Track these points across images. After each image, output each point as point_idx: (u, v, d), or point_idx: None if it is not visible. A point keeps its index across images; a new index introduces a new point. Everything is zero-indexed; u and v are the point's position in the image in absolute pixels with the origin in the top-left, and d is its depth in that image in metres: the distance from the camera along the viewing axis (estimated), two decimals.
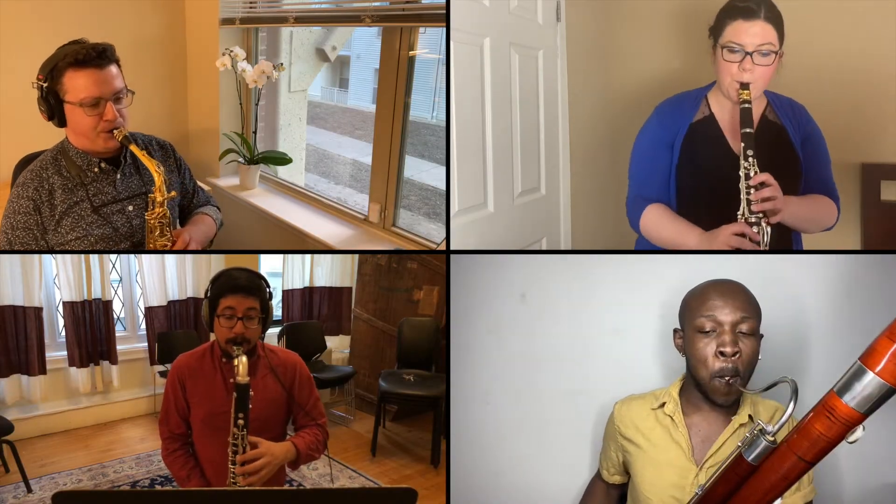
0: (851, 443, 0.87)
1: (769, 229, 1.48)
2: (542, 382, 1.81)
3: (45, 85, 1.57)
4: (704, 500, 1.08)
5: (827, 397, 0.88)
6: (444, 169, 1.91)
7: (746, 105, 1.51)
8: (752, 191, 1.47)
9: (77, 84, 1.56)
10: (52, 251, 1.68)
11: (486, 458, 1.84)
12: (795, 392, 1.00)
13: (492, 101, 2.05)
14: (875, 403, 0.83)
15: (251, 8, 2.98)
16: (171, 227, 1.70)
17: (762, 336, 1.39)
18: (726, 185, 1.53)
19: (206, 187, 2.16)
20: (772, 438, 0.98)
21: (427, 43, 2.43)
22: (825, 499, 1.56)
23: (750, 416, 1.38)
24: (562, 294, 1.81)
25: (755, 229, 1.48)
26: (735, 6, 1.58)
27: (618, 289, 1.78)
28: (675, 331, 1.46)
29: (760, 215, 1.48)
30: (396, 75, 2.41)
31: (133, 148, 1.62)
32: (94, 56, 1.56)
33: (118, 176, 1.69)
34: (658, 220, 1.68)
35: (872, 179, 2.39)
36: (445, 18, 1.87)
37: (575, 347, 1.79)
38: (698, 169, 1.69)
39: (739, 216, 1.49)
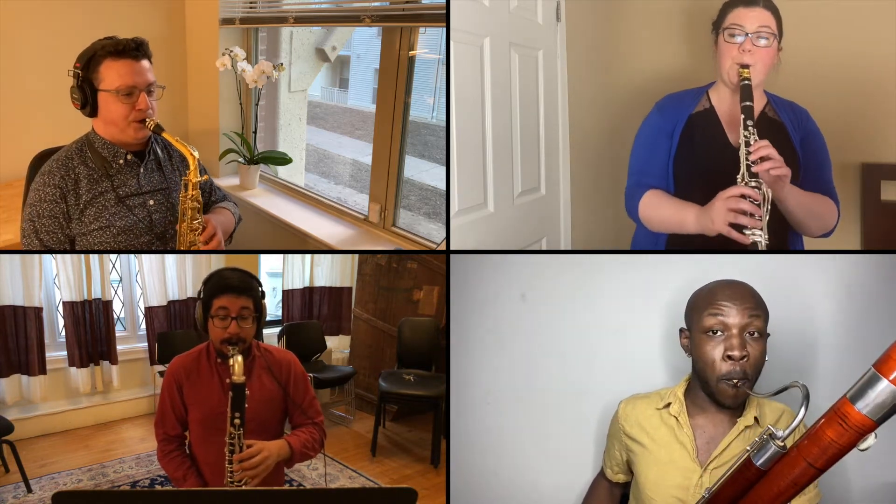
0: (863, 450, 0.87)
1: (769, 192, 1.47)
2: (542, 382, 1.81)
3: (81, 73, 1.63)
4: (711, 503, 1.08)
5: (839, 404, 0.87)
6: (444, 169, 1.91)
7: (747, 82, 1.57)
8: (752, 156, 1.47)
9: (113, 73, 1.61)
10: (71, 250, 1.69)
11: (486, 458, 1.84)
12: (807, 398, 0.98)
13: (492, 101, 2.05)
14: (889, 411, 0.82)
15: (251, 8, 2.98)
16: (202, 213, 1.74)
17: (769, 335, 1.37)
18: (722, 175, 1.54)
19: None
20: (781, 444, 0.97)
21: (427, 43, 2.43)
22: (825, 498, 1.56)
23: (756, 419, 1.37)
24: (562, 294, 1.81)
25: (756, 192, 1.45)
26: None
27: (618, 288, 1.78)
28: (682, 330, 1.43)
29: (759, 181, 1.47)
30: (396, 75, 2.41)
31: (166, 135, 1.67)
32: (133, 48, 1.63)
33: (142, 169, 1.73)
34: (657, 203, 1.70)
35: (872, 179, 2.39)
36: (445, 18, 1.87)
37: (575, 347, 1.79)
38: (695, 158, 1.70)
39: (739, 179, 1.48)
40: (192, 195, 1.70)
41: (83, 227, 1.65)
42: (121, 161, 1.70)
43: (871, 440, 0.85)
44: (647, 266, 1.76)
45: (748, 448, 1.02)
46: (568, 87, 2.55)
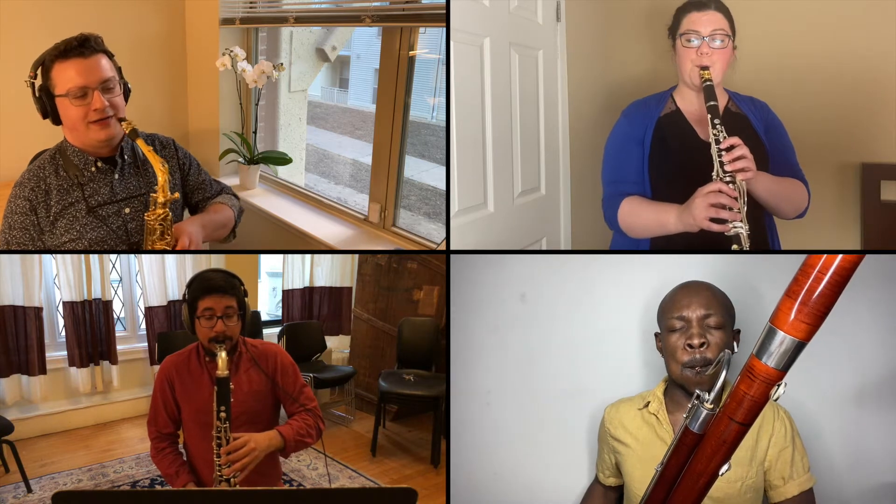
0: (775, 400, 0.94)
1: (744, 185, 1.52)
2: (542, 382, 1.81)
3: (35, 82, 1.56)
4: (663, 475, 1.13)
5: (748, 360, 0.95)
6: (444, 169, 1.91)
7: (709, 83, 1.63)
8: (724, 153, 1.52)
9: (63, 76, 1.53)
10: (49, 251, 1.65)
11: (486, 458, 1.84)
12: (728, 362, 1.10)
13: (492, 101, 2.05)
14: (790, 359, 0.91)
15: (251, 8, 2.98)
16: (171, 230, 1.63)
17: (738, 331, 1.49)
18: (699, 172, 1.57)
19: None
20: (710, 406, 1.04)
21: (427, 43, 2.43)
22: (824, 498, 1.57)
23: None
24: (562, 294, 1.81)
25: (731, 186, 1.50)
26: (689, 2, 1.73)
27: (618, 289, 1.78)
28: (656, 335, 1.54)
29: (733, 175, 1.51)
30: (396, 75, 2.41)
31: (140, 143, 1.58)
32: (76, 45, 1.53)
33: (116, 176, 1.65)
34: (636, 209, 1.72)
35: (872, 179, 2.39)
36: (445, 18, 1.87)
37: (575, 347, 1.79)
38: (670, 160, 1.72)
39: (714, 176, 1.53)
40: (159, 214, 1.59)
41: (55, 240, 1.59)
42: (92, 169, 1.62)
43: (780, 390, 0.94)
44: (647, 266, 1.77)
45: (684, 416, 1.09)
46: (568, 87, 2.55)
